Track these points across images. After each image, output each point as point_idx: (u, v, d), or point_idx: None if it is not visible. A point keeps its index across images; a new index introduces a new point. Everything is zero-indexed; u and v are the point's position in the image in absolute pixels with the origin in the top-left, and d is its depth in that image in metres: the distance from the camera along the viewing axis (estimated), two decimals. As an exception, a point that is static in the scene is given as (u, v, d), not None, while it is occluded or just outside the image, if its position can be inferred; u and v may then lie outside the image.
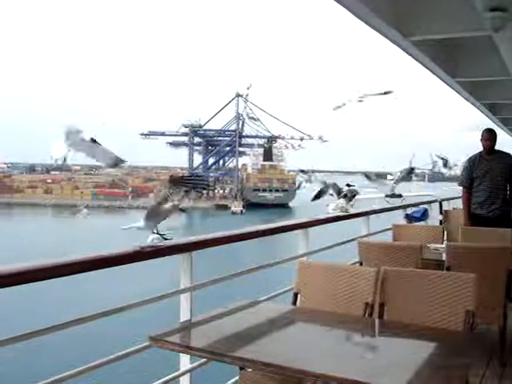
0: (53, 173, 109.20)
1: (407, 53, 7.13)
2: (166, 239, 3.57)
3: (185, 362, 3.79)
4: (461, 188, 7.67)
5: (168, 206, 3.47)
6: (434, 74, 8.50)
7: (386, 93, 6.37)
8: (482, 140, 7.32)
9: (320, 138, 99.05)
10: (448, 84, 9.27)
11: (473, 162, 7.38)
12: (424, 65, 7.90)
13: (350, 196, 6.52)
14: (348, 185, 6.63)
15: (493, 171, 7.23)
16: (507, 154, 7.37)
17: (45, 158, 3.37)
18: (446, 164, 9.78)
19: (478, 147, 7.42)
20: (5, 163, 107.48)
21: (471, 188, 7.38)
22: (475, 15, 5.42)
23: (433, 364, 2.76)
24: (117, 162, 3.38)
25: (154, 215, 3.51)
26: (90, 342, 16.32)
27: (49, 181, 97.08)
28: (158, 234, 3.53)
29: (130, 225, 3.55)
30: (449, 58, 8.06)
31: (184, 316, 3.86)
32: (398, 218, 9.02)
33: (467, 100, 11.18)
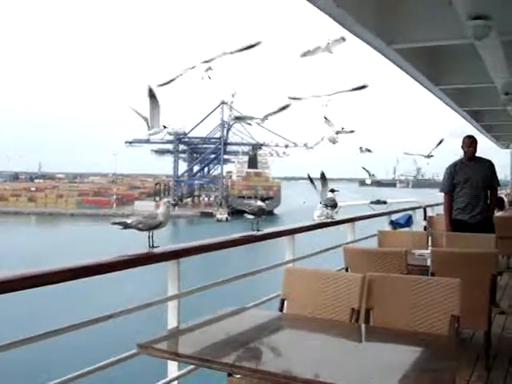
0: (36, 181, 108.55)
1: (391, 60, 7.18)
2: None
3: (173, 368, 3.80)
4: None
5: None
6: (418, 81, 8.57)
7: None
8: (463, 146, 7.41)
9: (305, 145, 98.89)
10: (431, 91, 9.35)
11: (454, 169, 7.45)
12: (407, 72, 7.96)
13: (331, 204, 6.56)
14: (332, 190, 6.68)
15: (474, 177, 7.30)
16: (487, 161, 7.45)
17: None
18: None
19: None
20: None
21: (453, 194, 7.45)
22: (458, 23, 5.47)
23: (419, 368, 2.78)
24: None
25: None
26: (76, 350, 16.16)
27: (32, 189, 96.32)
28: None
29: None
30: (432, 66, 8.13)
31: (172, 323, 3.87)
32: (384, 224, 9.08)
33: (451, 107, 11.28)
